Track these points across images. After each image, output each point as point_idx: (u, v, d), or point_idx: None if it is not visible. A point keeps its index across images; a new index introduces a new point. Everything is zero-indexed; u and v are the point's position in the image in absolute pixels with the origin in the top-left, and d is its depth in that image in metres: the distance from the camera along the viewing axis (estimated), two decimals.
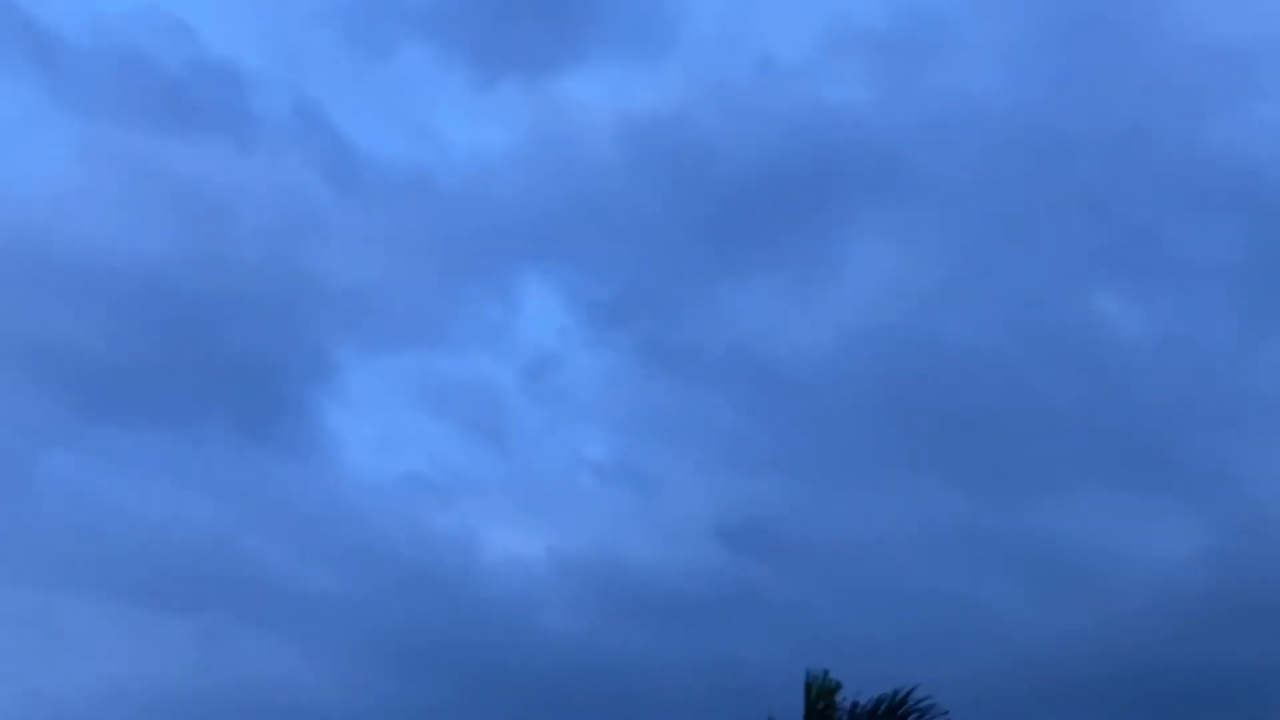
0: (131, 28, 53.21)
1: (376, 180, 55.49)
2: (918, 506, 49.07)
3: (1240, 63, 53.19)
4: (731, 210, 56.04)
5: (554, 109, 57.45)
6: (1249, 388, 49.91)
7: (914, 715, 18.88)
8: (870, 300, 53.80)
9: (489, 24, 57.78)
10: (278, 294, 53.49)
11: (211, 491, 49.01)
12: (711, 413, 53.53)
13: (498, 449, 53.52)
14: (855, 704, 19.72)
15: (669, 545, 49.36)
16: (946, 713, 18.66)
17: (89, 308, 50.90)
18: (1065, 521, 47.79)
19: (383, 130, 59.24)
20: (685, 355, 55.40)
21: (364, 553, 48.29)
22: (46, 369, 49.76)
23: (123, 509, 47.05)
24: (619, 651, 44.25)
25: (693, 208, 56.39)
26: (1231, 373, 50.85)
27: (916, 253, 55.60)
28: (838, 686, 19.48)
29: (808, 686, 19.37)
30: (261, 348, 53.01)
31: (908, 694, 18.99)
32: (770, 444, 52.60)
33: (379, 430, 54.60)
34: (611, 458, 52.91)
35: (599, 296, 56.37)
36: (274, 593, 46.61)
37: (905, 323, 53.46)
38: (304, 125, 55.00)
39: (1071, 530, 47.34)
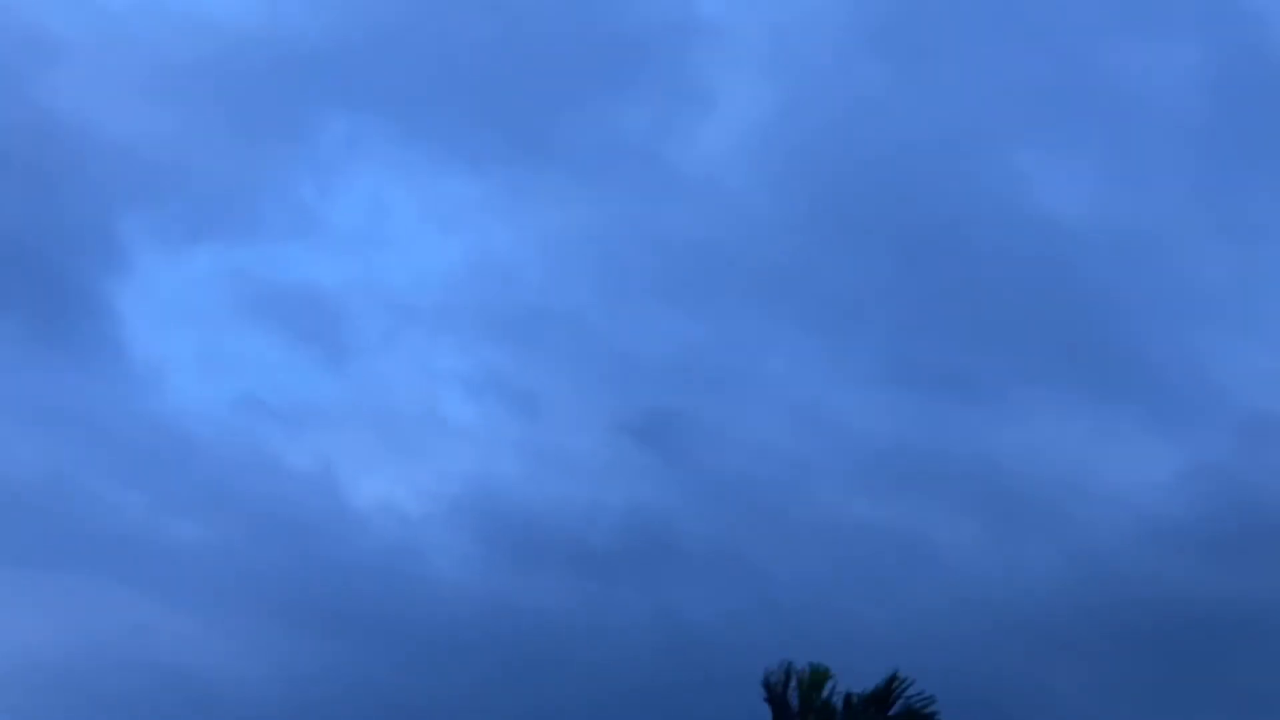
0: None
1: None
2: (840, 419, 43.83)
3: None
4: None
5: None
6: (1220, 262, 44.30)
7: (903, 703, 18.63)
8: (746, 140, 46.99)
9: None
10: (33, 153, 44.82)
11: (12, 418, 41.82)
12: (587, 300, 46.92)
13: (336, 364, 46.54)
14: (849, 694, 18.96)
15: (564, 480, 43.80)
16: (933, 699, 18.47)
17: None
18: (1015, 437, 42.83)
19: None
20: (544, 204, 48.35)
21: (213, 494, 41.99)
22: None
23: None
24: (530, 609, 38.96)
25: None
26: (1196, 246, 44.94)
27: (801, 86, 48.37)
28: (827, 674, 18.51)
29: (799, 681, 18.63)
30: (30, 228, 44.73)
31: (897, 681, 18.80)
32: (660, 341, 46.20)
33: (195, 342, 47.39)
34: (475, 370, 46.26)
35: (431, 142, 48.60)
36: (124, 541, 40.23)
37: (792, 176, 46.99)
38: None
39: (1022, 447, 42.44)
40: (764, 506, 41.88)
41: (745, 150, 46.87)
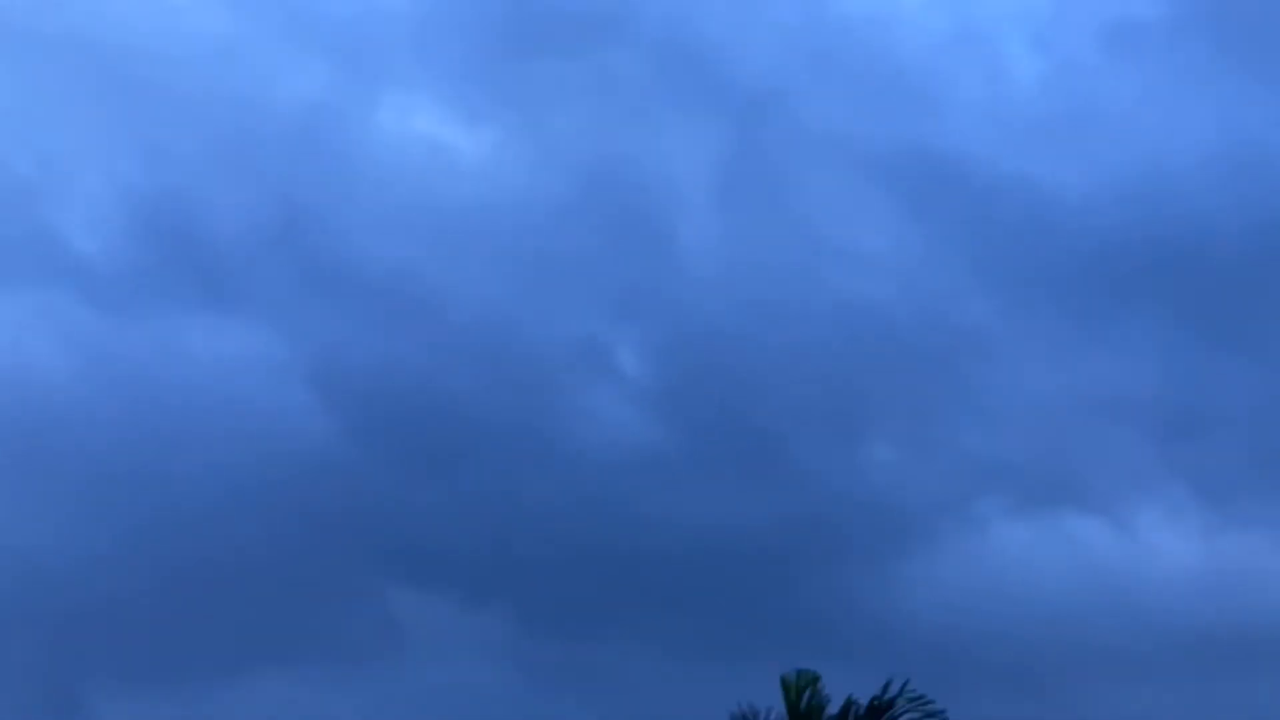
0: None
1: None
2: None
3: None
4: None
5: None
6: None
7: (908, 710, 18.22)
8: None
9: None
10: None
11: None
12: None
13: None
14: (850, 701, 18.58)
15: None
16: (943, 710, 17.88)
17: None
18: None
19: None
20: None
21: None
22: None
23: None
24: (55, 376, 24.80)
25: None
26: None
27: None
28: (815, 678, 18.23)
29: (785, 686, 18.40)
30: None
31: (902, 687, 18.45)
32: None
33: None
34: None
35: None
36: None
37: None
38: None
39: None
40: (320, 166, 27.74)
41: None
